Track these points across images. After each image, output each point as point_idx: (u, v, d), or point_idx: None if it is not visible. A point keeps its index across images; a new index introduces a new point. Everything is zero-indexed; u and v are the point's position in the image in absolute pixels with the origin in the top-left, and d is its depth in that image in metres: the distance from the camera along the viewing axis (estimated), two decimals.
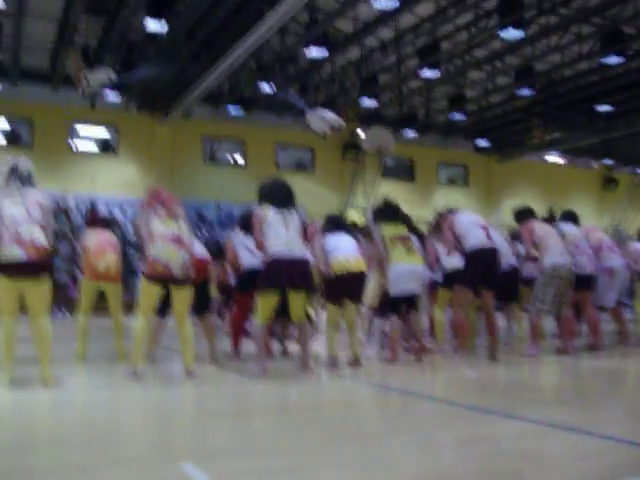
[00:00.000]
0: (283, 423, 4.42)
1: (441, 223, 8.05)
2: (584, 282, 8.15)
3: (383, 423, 4.55)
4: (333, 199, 25.16)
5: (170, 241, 5.95)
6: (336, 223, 7.49)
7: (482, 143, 27.89)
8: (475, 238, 7.44)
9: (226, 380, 6.36)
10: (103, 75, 17.47)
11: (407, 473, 3.09)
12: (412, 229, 7.86)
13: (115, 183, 22.09)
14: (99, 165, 22.49)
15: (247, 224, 7.26)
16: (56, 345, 5.98)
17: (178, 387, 5.87)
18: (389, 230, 7.40)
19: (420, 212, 26.85)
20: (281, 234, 6.29)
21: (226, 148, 25.31)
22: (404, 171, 28.14)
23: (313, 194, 23.94)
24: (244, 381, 6.21)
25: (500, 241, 8.31)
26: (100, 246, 7.34)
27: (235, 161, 25.41)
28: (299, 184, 23.91)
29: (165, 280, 6.00)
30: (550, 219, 8.86)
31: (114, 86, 19.29)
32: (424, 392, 5.76)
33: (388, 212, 7.67)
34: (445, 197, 26.72)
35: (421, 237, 8.15)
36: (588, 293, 8.30)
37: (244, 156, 25.08)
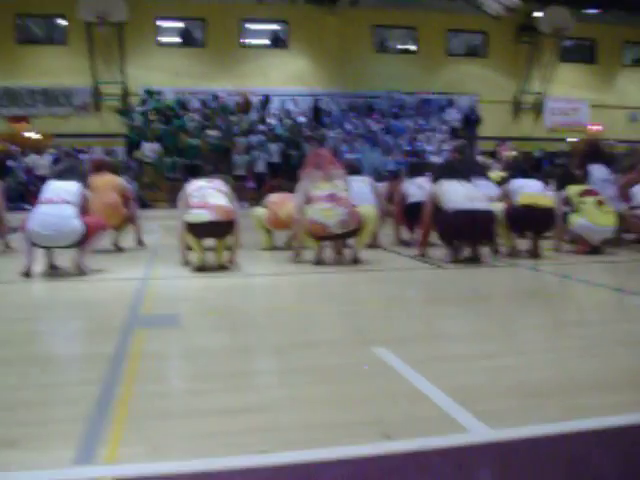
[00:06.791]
0: (472, 310, 4.42)
1: None
2: None
3: (571, 313, 4.45)
4: (507, 85, 24.12)
5: (324, 201, 6.26)
6: (521, 168, 7.72)
7: None
8: None
9: (414, 268, 6.45)
10: None
11: (606, 365, 3.02)
12: None
13: (287, 76, 22.35)
14: (270, 60, 22.74)
15: (415, 170, 8.61)
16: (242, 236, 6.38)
17: (363, 274, 6.00)
18: (574, 189, 7.41)
19: (602, 97, 25.47)
20: (459, 190, 6.46)
21: (396, 36, 24.75)
22: (584, 53, 26.34)
23: (486, 80, 23.18)
24: (431, 269, 6.28)
25: None
26: (282, 198, 7.69)
27: (406, 49, 24.83)
28: (471, 71, 23.49)
29: (327, 238, 6.42)
30: None
31: None
32: (612, 285, 5.56)
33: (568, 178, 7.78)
34: (630, 81, 24.92)
35: None
36: None
37: (415, 43, 24.44)
